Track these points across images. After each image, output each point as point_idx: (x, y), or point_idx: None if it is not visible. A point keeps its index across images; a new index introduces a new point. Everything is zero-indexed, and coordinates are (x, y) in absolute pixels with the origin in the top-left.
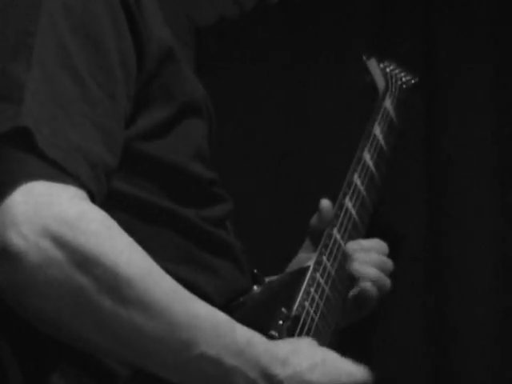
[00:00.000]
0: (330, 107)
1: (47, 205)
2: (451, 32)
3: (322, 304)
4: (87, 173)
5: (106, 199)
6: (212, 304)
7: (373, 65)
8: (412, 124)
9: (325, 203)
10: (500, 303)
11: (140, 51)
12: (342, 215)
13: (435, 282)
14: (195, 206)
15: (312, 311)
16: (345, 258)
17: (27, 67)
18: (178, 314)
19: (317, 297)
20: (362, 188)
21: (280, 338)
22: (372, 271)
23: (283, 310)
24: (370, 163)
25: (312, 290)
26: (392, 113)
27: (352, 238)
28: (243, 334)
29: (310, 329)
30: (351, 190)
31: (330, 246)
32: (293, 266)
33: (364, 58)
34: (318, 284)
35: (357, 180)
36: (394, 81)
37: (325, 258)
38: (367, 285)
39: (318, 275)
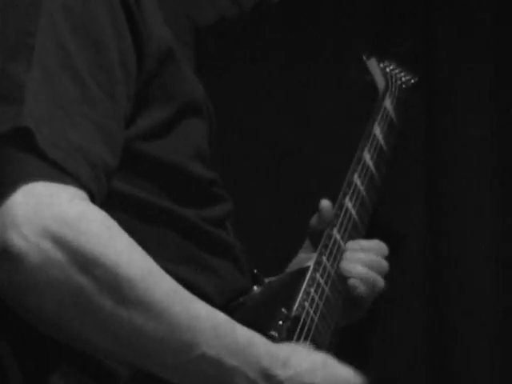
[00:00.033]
0: (330, 107)
1: (47, 205)
2: (451, 32)
3: (321, 304)
4: (87, 173)
5: (106, 199)
6: (212, 304)
7: (373, 65)
8: (412, 124)
9: (325, 203)
10: (500, 303)
11: (140, 51)
12: (341, 215)
13: (435, 282)
14: (195, 206)
15: (312, 311)
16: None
17: (27, 67)
18: (178, 315)
19: (317, 297)
20: (361, 188)
21: (280, 338)
22: (359, 269)
23: (283, 310)
24: (370, 163)
25: (312, 290)
26: (392, 113)
27: (352, 238)
28: (244, 334)
29: (309, 329)
30: (351, 190)
31: (330, 246)
32: (293, 266)
33: (364, 57)
34: (318, 284)
35: (357, 180)
36: (393, 81)
37: (324, 258)
38: (355, 282)
39: (317, 275)
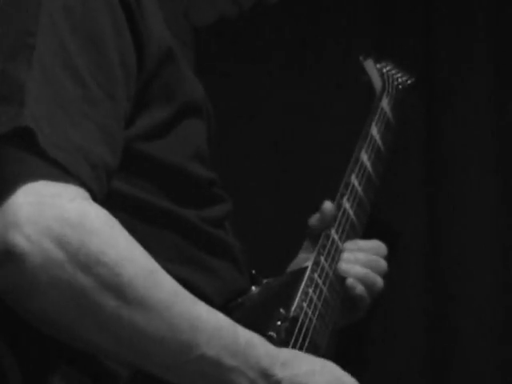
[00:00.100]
0: (330, 107)
1: (49, 205)
2: (451, 32)
3: (319, 305)
4: (88, 173)
5: (106, 199)
6: (211, 304)
7: (370, 65)
8: (412, 124)
9: (327, 205)
10: (500, 303)
11: (140, 51)
12: (339, 216)
13: (435, 282)
14: (194, 206)
15: (310, 312)
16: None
17: (28, 67)
18: (179, 315)
19: (315, 297)
20: (359, 188)
21: (278, 338)
22: (357, 269)
23: (281, 310)
24: (368, 164)
25: (310, 290)
26: (389, 113)
27: (350, 238)
28: (244, 335)
29: (307, 329)
30: (349, 191)
31: (328, 246)
32: (293, 266)
33: (361, 58)
34: (316, 285)
35: (354, 181)
36: (390, 81)
37: (323, 258)
38: (353, 282)
39: (316, 276)
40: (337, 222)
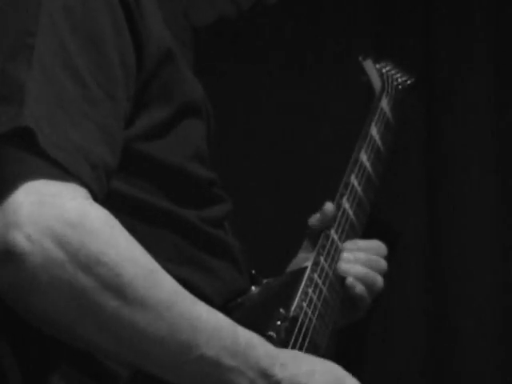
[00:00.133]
0: (330, 107)
1: (50, 205)
2: (451, 32)
3: (319, 305)
4: (88, 173)
5: (106, 199)
6: (211, 304)
7: (369, 65)
8: (412, 124)
9: (328, 206)
10: (500, 303)
11: (139, 51)
12: (339, 216)
13: (435, 282)
14: (194, 206)
15: (310, 312)
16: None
17: (28, 67)
18: (180, 315)
19: (315, 297)
20: (359, 189)
21: (278, 338)
22: (357, 269)
23: (281, 310)
24: (367, 164)
25: (310, 290)
26: (388, 113)
27: (349, 238)
28: (244, 335)
29: (307, 329)
30: (348, 191)
31: (328, 246)
32: (293, 266)
33: (360, 58)
34: (316, 285)
35: (354, 181)
36: (390, 81)
37: (322, 258)
38: (352, 281)
39: (315, 276)
40: (336, 222)
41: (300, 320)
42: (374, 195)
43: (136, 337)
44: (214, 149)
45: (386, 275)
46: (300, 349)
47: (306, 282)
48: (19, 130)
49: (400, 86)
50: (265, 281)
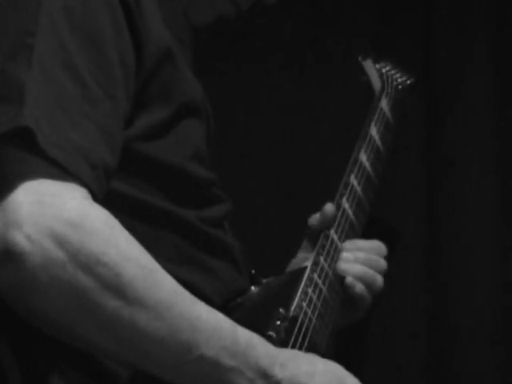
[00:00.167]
0: (330, 107)
1: (50, 204)
2: (451, 32)
3: (319, 304)
4: (88, 173)
5: (105, 200)
6: (210, 305)
7: (369, 65)
8: (412, 124)
9: (329, 207)
10: (500, 303)
11: (139, 51)
12: (339, 216)
13: (435, 282)
14: (193, 206)
15: (310, 312)
16: None
17: (27, 67)
18: (180, 316)
19: (314, 297)
20: (358, 188)
21: (278, 338)
22: (357, 268)
23: (281, 310)
24: (367, 164)
25: (310, 290)
26: (388, 113)
27: (349, 238)
28: (243, 335)
29: (307, 329)
30: (348, 191)
31: (327, 246)
32: (292, 265)
33: (360, 58)
34: (316, 285)
35: (353, 181)
36: (389, 81)
37: (322, 258)
38: (352, 281)
39: (315, 276)
40: (336, 222)
41: (300, 320)
42: (373, 195)
43: (136, 337)
44: (214, 149)
45: (385, 275)
46: (300, 348)
47: (306, 281)
48: (19, 130)
49: (400, 86)
50: (264, 281)
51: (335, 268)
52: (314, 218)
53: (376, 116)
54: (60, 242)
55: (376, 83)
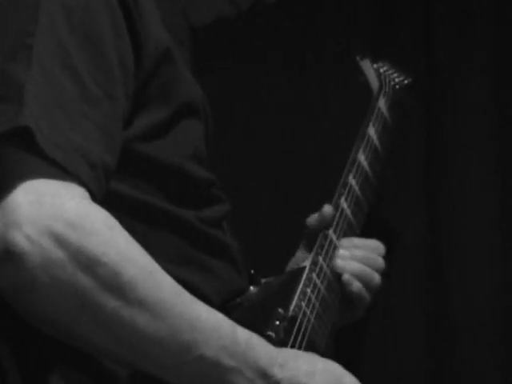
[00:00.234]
0: (329, 107)
1: (49, 204)
2: (451, 32)
3: (318, 304)
4: (87, 173)
5: (104, 200)
6: (210, 305)
7: (366, 65)
8: (412, 124)
9: (327, 208)
10: (500, 303)
11: (137, 51)
12: (337, 216)
13: (435, 282)
14: (193, 207)
15: (308, 312)
16: None
17: (27, 67)
18: (179, 316)
19: (313, 297)
20: (356, 188)
21: (277, 338)
22: (353, 265)
23: (280, 310)
24: (365, 164)
25: (308, 290)
26: (386, 113)
27: (347, 237)
28: (243, 335)
29: (306, 329)
30: (346, 191)
31: (326, 246)
32: (291, 265)
33: (358, 58)
34: (315, 284)
35: (352, 181)
36: (387, 81)
37: (321, 258)
38: (348, 278)
39: (314, 276)
40: (334, 222)
41: (299, 320)
42: (371, 195)
43: (135, 337)
44: (213, 149)
45: (385, 275)
46: (299, 348)
47: (305, 281)
48: (18, 130)
49: (397, 86)
50: (263, 280)
51: (333, 266)
52: (312, 218)
53: (374, 116)
54: (60, 241)
55: (374, 83)
